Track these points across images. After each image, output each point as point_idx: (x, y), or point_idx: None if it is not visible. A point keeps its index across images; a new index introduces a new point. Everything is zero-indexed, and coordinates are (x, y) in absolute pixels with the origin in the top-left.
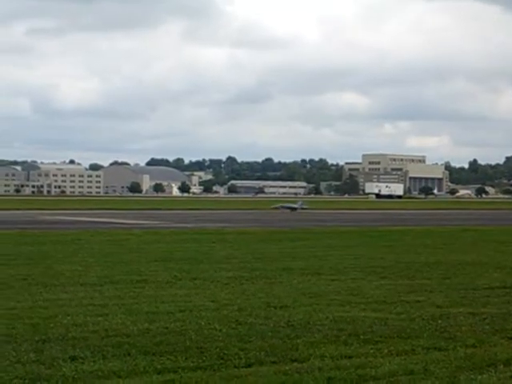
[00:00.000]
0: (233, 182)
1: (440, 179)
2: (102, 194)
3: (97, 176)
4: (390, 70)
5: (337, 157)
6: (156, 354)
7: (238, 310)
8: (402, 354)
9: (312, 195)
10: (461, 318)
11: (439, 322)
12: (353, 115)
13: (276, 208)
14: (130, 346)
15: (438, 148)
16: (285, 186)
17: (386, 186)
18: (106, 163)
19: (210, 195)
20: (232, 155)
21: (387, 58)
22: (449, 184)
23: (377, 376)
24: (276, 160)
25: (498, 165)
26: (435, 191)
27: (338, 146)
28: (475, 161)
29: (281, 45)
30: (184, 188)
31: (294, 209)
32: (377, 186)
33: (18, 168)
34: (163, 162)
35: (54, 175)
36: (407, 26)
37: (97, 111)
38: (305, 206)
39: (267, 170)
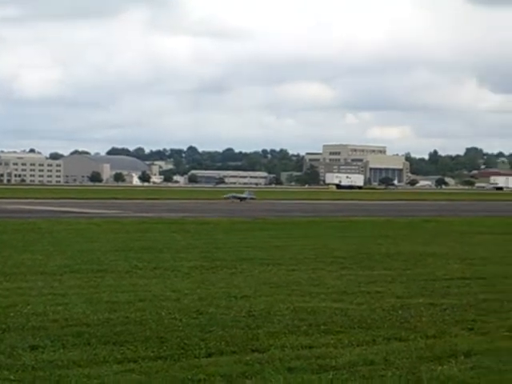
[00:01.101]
0: (193, 171)
1: (400, 170)
2: (62, 183)
3: (57, 165)
4: (354, 61)
5: (299, 147)
6: (116, 343)
7: (199, 299)
8: (362, 345)
9: (273, 185)
10: (421, 308)
11: (400, 312)
12: (315, 106)
13: (227, 198)
14: (90, 336)
15: (399, 139)
16: (245, 176)
17: (347, 177)
18: (66, 152)
19: (170, 185)
20: (193, 145)
21: (351, 48)
22: (409, 175)
23: (337, 366)
24: (237, 150)
25: (458, 156)
26: (395, 182)
27: (300, 136)
28: (435, 152)
29: (244, 35)
30: (144, 177)
31: (244, 199)
32: (337, 177)
33: None
34: (124, 152)
35: (14, 164)
36: (370, 16)
37: (58, 100)
38: (253, 196)
39: (228, 160)
